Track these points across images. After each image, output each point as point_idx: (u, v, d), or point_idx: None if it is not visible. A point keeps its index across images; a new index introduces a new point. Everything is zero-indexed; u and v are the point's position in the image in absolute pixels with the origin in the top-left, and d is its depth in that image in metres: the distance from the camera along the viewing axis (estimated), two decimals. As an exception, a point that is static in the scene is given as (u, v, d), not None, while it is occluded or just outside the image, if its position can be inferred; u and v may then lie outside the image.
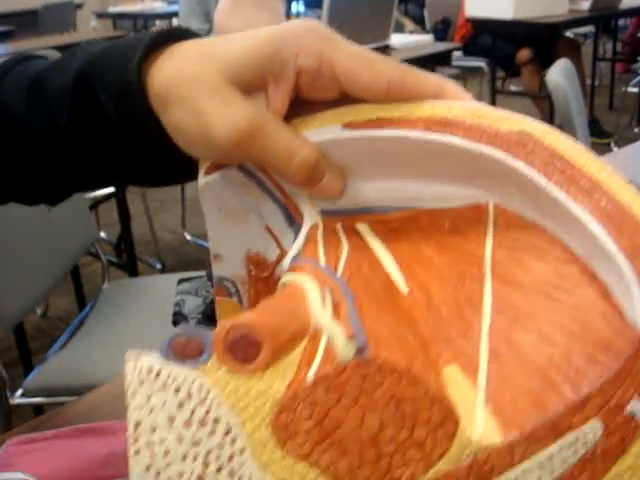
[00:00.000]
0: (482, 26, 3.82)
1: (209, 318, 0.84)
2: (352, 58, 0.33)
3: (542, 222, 0.31)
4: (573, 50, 3.92)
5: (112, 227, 2.48)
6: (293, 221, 0.38)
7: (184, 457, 0.26)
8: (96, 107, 0.37)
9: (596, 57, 4.50)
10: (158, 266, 2.63)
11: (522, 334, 0.29)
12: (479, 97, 3.64)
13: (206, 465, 0.26)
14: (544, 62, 4.12)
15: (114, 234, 2.45)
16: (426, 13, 4.37)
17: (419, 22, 4.42)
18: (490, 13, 3.61)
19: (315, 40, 0.33)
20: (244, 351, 0.28)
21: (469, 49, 3.99)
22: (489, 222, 0.32)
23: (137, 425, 0.26)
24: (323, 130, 0.34)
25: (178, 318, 0.84)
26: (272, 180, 0.37)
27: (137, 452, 0.26)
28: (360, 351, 0.28)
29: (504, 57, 4.04)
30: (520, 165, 0.29)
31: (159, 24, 5.11)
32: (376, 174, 0.34)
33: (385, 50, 2.69)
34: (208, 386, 0.27)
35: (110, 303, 1.47)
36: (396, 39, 2.82)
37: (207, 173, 0.37)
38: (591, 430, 0.27)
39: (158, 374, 0.27)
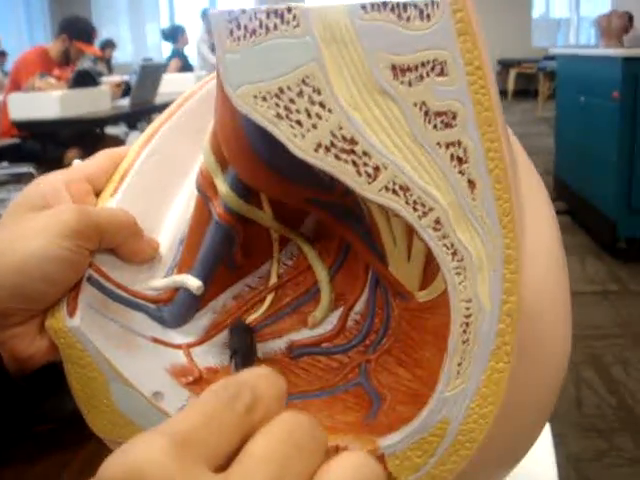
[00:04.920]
0: (28, 129, 3.84)
1: None
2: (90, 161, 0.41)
3: None
4: (117, 146, 4.18)
5: None
6: (161, 316, 0.38)
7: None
8: None
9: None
10: None
11: None
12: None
13: None
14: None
15: None
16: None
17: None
18: (36, 114, 3.66)
19: None
20: None
21: (15, 155, 3.95)
22: None
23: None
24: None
25: None
26: (114, 283, 0.37)
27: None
28: None
29: (53, 160, 4.10)
30: None
31: None
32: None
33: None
34: None
35: None
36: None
37: (71, 315, 0.35)
38: None
39: None
